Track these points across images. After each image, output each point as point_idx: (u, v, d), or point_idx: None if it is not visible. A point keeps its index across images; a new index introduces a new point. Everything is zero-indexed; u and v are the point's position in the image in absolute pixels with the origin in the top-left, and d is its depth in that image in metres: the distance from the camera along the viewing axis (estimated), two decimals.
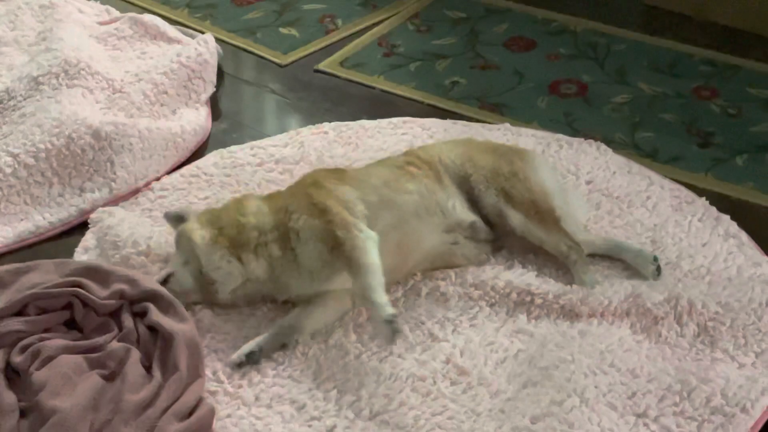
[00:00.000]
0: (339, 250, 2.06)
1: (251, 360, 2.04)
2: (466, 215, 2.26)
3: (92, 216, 2.45)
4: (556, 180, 2.41)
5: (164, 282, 2.12)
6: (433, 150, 2.37)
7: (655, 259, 2.23)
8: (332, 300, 2.14)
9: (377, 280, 2.00)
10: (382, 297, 1.98)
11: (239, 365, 2.03)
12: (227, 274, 2.12)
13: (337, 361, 2.05)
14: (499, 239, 2.32)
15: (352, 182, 2.20)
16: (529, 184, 2.29)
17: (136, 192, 2.60)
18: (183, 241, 2.17)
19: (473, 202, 2.29)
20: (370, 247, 2.05)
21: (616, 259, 2.29)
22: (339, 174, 2.25)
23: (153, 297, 2.06)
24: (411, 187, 2.22)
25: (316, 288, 2.13)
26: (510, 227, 2.27)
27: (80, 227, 2.49)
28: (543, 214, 2.25)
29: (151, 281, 2.11)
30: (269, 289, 2.16)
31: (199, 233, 2.14)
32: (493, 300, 2.17)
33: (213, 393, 1.99)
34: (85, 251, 2.38)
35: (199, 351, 1.99)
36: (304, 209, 2.13)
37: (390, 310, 1.95)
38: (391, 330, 1.94)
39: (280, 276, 2.13)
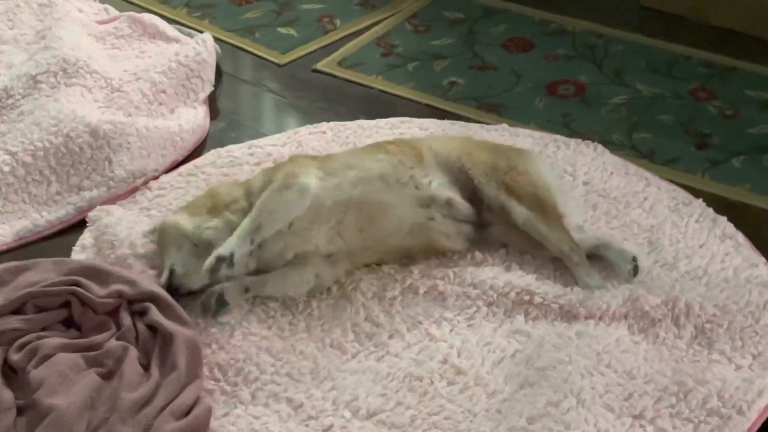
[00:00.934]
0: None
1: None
2: (442, 192, 2.25)
3: (90, 214, 2.45)
4: (555, 179, 2.42)
5: (169, 279, 2.14)
6: (425, 140, 2.40)
7: (634, 259, 2.22)
8: (296, 271, 2.19)
9: (253, 226, 2.11)
10: (236, 239, 2.09)
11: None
12: (215, 229, 2.18)
13: (335, 360, 2.05)
14: (485, 223, 2.31)
15: (321, 159, 2.30)
16: (530, 177, 2.29)
17: (133, 191, 2.60)
18: (166, 231, 2.23)
19: (474, 195, 2.29)
20: (285, 196, 2.15)
21: (599, 256, 2.28)
22: (311, 156, 2.35)
23: (152, 298, 2.07)
24: (380, 156, 2.27)
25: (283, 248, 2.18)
26: (513, 221, 2.26)
27: (78, 225, 2.49)
28: (546, 208, 2.25)
29: (150, 282, 2.12)
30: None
31: (174, 216, 2.26)
32: (491, 299, 2.17)
33: (210, 392, 1.99)
34: (83, 249, 2.38)
35: (199, 352, 1.99)
36: (269, 175, 2.24)
37: (228, 250, 2.07)
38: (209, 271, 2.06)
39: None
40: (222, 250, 2.09)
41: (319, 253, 2.20)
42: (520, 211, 2.25)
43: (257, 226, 2.13)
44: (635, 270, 2.21)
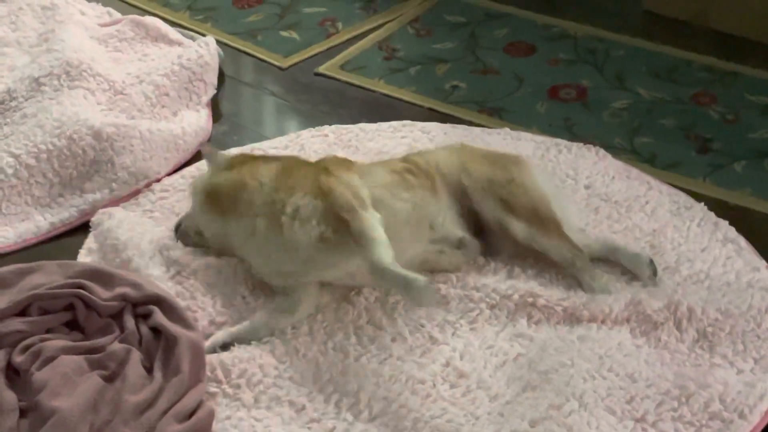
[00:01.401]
0: (345, 230, 2.04)
1: (224, 349, 2.07)
2: (455, 231, 2.25)
3: (93, 219, 2.46)
4: (552, 185, 2.42)
5: (177, 227, 2.30)
6: (431, 157, 2.35)
7: (651, 262, 2.24)
8: (306, 294, 2.14)
9: (389, 252, 1.98)
10: (397, 267, 1.94)
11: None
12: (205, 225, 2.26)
13: (337, 363, 2.05)
14: (493, 251, 2.31)
15: (358, 172, 2.22)
16: (527, 190, 2.28)
17: (136, 193, 2.60)
18: (194, 183, 2.35)
19: (471, 214, 2.29)
20: (376, 224, 2.03)
21: (611, 262, 2.29)
22: (348, 164, 2.26)
23: (157, 301, 2.06)
24: (406, 195, 2.21)
25: (307, 270, 2.12)
26: (512, 237, 2.25)
27: (81, 228, 2.50)
28: (545, 221, 2.24)
29: (155, 285, 2.12)
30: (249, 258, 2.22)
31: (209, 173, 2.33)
32: (493, 302, 2.17)
33: (212, 395, 1.98)
34: (89, 252, 2.38)
35: (202, 356, 1.99)
36: (308, 189, 2.13)
37: (412, 273, 1.92)
38: (426, 289, 1.91)
39: (262, 248, 2.15)
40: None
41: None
42: (519, 227, 2.24)
43: (389, 255, 1.99)
44: (655, 273, 2.22)
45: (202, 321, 2.14)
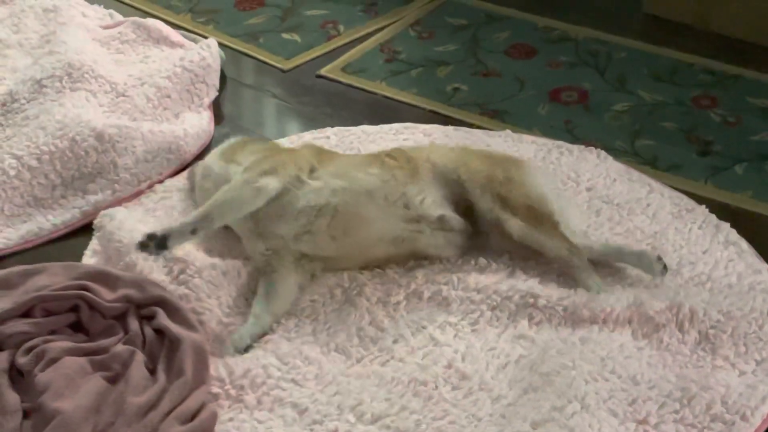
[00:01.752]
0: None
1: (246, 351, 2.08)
2: (434, 210, 2.26)
3: (95, 222, 2.46)
4: (554, 187, 2.42)
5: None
6: (424, 150, 2.39)
7: (660, 258, 2.23)
8: (284, 272, 2.21)
9: (204, 210, 2.16)
10: (179, 224, 2.16)
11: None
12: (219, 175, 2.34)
13: (339, 364, 2.06)
14: (479, 234, 2.31)
15: (325, 158, 2.31)
16: (525, 189, 2.29)
17: (138, 194, 2.61)
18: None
19: (468, 208, 2.30)
20: (236, 188, 2.19)
21: (616, 265, 2.30)
22: (320, 151, 2.37)
23: (160, 302, 2.07)
24: (375, 171, 2.26)
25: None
26: (508, 234, 2.26)
27: (84, 229, 2.50)
28: (541, 218, 2.25)
29: (159, 287, 2.12)
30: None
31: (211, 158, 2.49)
32: (494, 303, 2.17)
33: (215, 396, 1.99)
34: (93, 254, 2.39)
35: (206, 358, 1.99)
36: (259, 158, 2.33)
37: (164, 231, 2.12)
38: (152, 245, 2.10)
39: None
40: (158, 228, 2.15)
41: (288, 249, 2.21)
42: (515, 224, 2.24)
43: (206, 215, 2.16)
44: (665, 268, 2.22)
45: (210, 323, 2.14)
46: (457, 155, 2.37)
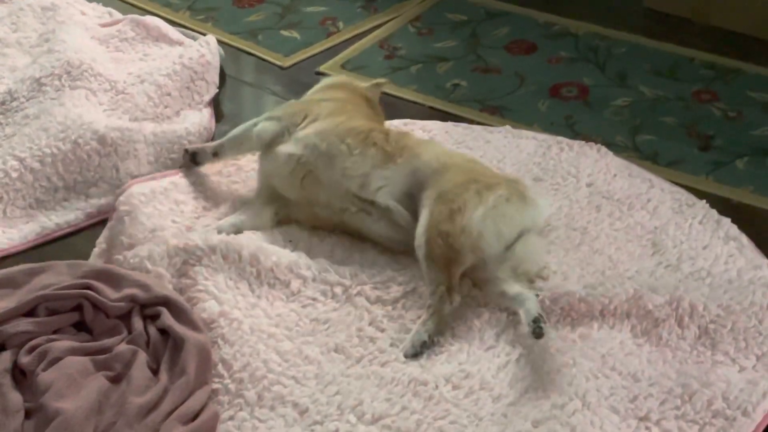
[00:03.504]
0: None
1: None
2: (384, 199, 2.29)
3: (120, 199, 2.43)
4: (531, 216, 2.26)
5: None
6: (423, 144, 2.40)
7: (536, 320, 1.98)
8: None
9: (221, 142, 2.59)
10: (209, 145, 2.61)
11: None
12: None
13: (339, 364, 2.06)
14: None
15: (322, 115, 2.45)
16: (464, 223, 2.13)
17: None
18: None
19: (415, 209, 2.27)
20: (248, 131, 2.53)
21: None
22: (342, 107, 2.52)
23: (165, 302, 2.07)
24: (350, 141, 2.35)
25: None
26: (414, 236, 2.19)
27: (87, 230, 2.51)
28: (449, 254, 2.12)
29: (163, 287, 2.12)
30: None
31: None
32: (495, 304, 2.17)
33: (215, 391, 1.98)
34: (102, 253, 2.37)
35: (209, 358, 1.99)
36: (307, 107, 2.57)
37: (195, 148, 2.60)
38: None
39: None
40: (192, 146, 2.62)
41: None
42: (420, 237, 2.15)
43: (222, 144, 2.58)
44: (537, 331, 1.97)
45: (210, 311, 2.12)
46: (443, 163, 2.29)
